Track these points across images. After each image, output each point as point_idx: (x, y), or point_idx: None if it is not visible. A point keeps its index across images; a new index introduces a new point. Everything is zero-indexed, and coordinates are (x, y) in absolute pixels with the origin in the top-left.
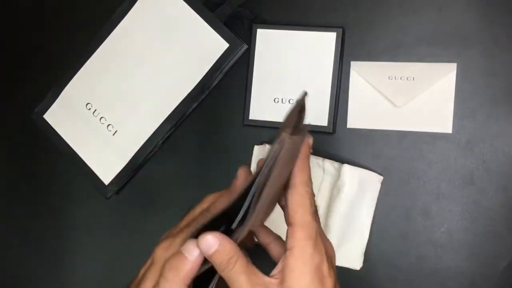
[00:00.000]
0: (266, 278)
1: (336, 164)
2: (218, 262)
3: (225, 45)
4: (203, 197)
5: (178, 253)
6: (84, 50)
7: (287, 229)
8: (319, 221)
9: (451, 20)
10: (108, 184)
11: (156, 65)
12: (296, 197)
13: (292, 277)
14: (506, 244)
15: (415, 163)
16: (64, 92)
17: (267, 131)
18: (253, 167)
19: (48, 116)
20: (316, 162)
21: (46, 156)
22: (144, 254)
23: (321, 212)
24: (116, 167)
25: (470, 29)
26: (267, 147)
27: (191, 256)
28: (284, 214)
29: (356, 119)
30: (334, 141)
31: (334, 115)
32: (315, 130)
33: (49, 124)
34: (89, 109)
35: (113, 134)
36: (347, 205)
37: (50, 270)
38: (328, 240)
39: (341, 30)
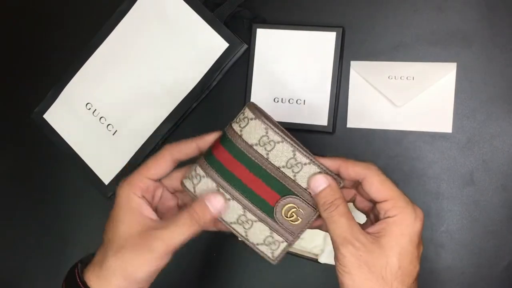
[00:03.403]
0: (363, 231)
1: None
2: (323, 201)
3: (225, 44)
4: None
5: (201, 201)
6: (84, 50)
7: (380, 206)
8: None
9: (451, 20)
10: (108, 184)
11: (155, 65)
12: (374, 179)
13: (390, 239)
14: (506, 244)
15: (415, 162)
16: (64, 92)
17: None
18: None
19: (48, 116)
20: None
21: (45, 155)
22: None
23: None
24: (116, 167)
25: (470, 28)
26: None
27: (214, 209)
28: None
29: (356, 118)
30: (334, 140)
31: (334, 115)
32: (315, 130)
33: (49, 124)
34: (89, 109)
35: (113, 134)
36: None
37: (50, 270)
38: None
39: (341, 29)
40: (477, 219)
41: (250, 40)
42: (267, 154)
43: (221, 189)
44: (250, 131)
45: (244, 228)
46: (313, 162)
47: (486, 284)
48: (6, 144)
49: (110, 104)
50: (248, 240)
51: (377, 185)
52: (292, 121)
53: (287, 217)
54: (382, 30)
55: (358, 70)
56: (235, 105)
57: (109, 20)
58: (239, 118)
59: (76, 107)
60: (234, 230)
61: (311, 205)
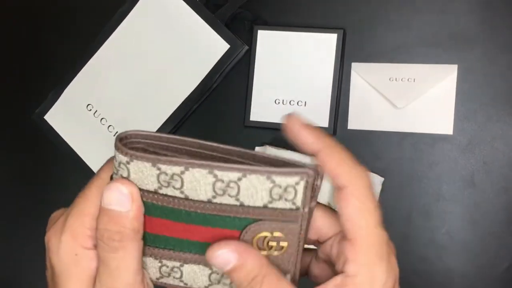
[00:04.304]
0: None
1: None
2: (238, 282)
3: (226, 46)
4: None
5: (104, 212)
6: (85, 51)
7: (343, 243)
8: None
9: (452, 22)
10: None
11: (157, 66)
12: (355, 204)
13: None
14: (507, 246)
15: (416, 164)
16: (65, 93)
17: (268, 133)
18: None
19: (49, 117)
20: None
21: (46, 157)
22: None
23: None
24: None
25: (471, 30)
26: (268, 148)
27: (125, 207)
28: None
29: (357, 120)
30: None
31: (335, 116)
32: None
33: (50, 125)
34: (90, 110)
35: (114, 135)
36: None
37: None
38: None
39: (342, 31)
40: (478, 221)
41: (251, 42)
42: (181, 192)
43: (164, 261)
44: (139, 177)
45: None
46: (248, 171)
47: (487, 285)
48: (7, 144)
49: (111, 105)
50: None
51: (349, 215)
52: None
53: (265, 250)
54: (383, 32)
55: (359, 72)
56: (236, 107)
57: (110, 21)
58: (116, 168)
59: (77, 108)
60: None
61: (287, 219)
